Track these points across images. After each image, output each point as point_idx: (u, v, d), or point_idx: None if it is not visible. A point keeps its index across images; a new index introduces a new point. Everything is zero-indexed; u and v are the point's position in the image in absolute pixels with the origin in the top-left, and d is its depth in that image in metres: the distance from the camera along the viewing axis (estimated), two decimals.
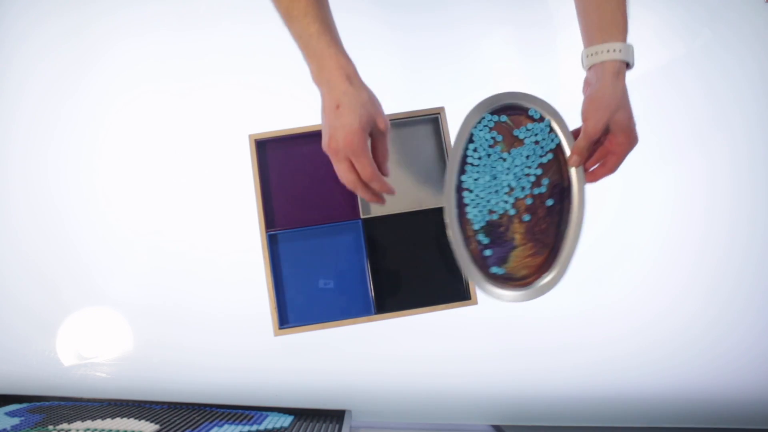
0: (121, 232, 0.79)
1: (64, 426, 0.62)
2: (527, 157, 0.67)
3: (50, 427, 0.61)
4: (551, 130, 0.67)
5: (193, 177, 0.80)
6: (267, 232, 0.72)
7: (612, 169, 0.62)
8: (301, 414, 0.72)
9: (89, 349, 0.76)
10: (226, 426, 0.65)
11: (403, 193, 0.75)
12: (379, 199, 0.60)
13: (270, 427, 0.66)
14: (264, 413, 0.71)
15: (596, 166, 0.63)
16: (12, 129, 0.82)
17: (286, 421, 0.69)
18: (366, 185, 0.58)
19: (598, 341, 0.76)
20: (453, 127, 0.76)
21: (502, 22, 0.86)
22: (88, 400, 0.74)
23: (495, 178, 0.67)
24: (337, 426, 0.67)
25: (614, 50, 0.58)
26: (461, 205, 0.66)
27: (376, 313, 0.71)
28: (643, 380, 0.77)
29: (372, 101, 0.56)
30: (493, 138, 0.67)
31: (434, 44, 0.84)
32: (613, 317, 0.77)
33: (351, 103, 0.54)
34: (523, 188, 0.67)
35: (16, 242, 0.79)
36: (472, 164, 0.67)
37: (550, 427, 0.75)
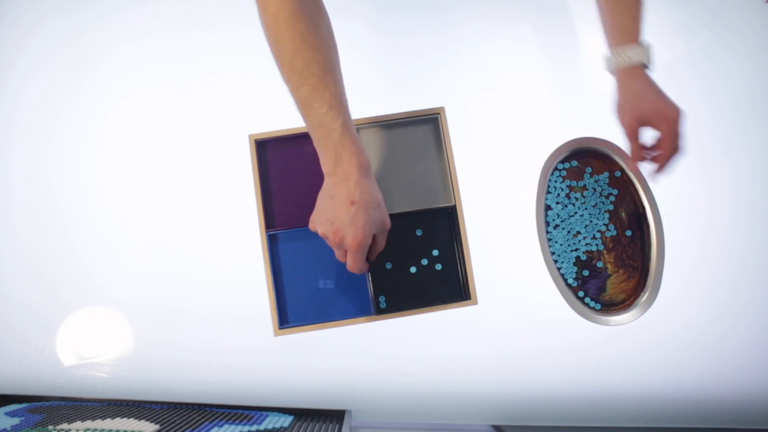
0: (122, 232, 0.79)
1: (64, 426, 0.62)
2: (594, 205, 0.76)
3: (50, 427, 0.61)
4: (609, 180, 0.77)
5: (194, 177, 0.80)
6: (267, 232, 0.72)
7: (670, 150, 0.65)
8: (301, 414, 0.72)
9: (89, 349, 0.76)
10: (226, 426, 0.65)
11: (403, 193, 0.75)
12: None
13: (270, 427, 0.66)
14: (264, 413, 0.71)
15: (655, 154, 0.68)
16: (13, 129, 0.82)
17: (286, 421, 0.69)
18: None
19: (598, 341, 0.76)
20: (453, 127, 0.76)
21: (503, 22, 0.86)
22: (88, 400, 0.74)
23: (572, 225, 0.76)
24: (337, 426, 0.67)
25: (625, 55, 0.63)
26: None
27: (376, 313, 0.71)
28: (643, 380, 0.77)
29: (383, 202, 0.59)
30: (569, 186, 0.77)
31: (434, 44, 0.84)
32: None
33: (366, 203, 0.56)
34: (604, 225, 0.76)
35: (16, 242, 0.79)
36: (554, 216, 0.77)
37: (550, 427, 0.75)
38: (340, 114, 0.55)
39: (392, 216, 0.72)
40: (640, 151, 0.67)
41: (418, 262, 0.73)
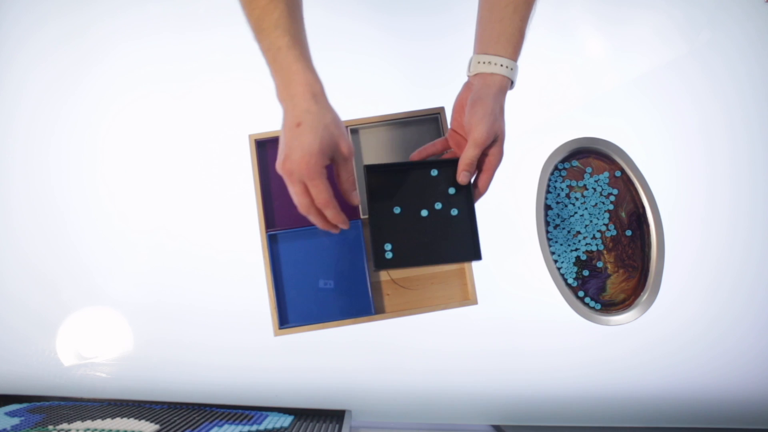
0: (122, 233, 0.79)
1: (64, 426, 0.62)
2: (594, 205, 0.76)
3: (50, 427, 0.61)
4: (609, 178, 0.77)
5: (194, 177, 0.80)
6: (267, 232, 0.72)
7: (485, 187, 0.60)
8: (301, 414, 0.72)
9: (89, 349, 0.76)
10: (226, 426, 0.65)
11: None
12: (333, 228, 0.56)
13: (270, 427, 0.66)
14: (264, 413, 0.71)
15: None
16: (12, 129, 0.82)
17: (286, 421, 0.69)
18: (320, 212, 0.54)
19: (598, 341, 0.76)
20: None
21: None
22: (88, 400, 0.74)
23: (573, 225, 0.76)
24: (337, 426, 0.67)
25: (505, 66, 0.57)
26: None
27: (375, 313, 0.71)
28: (643, 380, 0.77)
29: (336, 123, 0.53)
30: (569, 186, 0.77)
31: (435, 46, 0.84)
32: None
33: (313, 122, 0.51)
34: (604, 225, 0.76)
35: (16, 242, 0.79)
36: (554, 216, 0.77)
37: (550, 427, 0.75)
38: (286, 32, 0.52)
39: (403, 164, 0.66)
40: (476, 165, 0.60)
41: (431, 205, 0.63)
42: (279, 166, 0.53)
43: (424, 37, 0.85)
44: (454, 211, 0.63)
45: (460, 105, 0.60)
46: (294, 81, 0.52)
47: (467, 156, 0.58)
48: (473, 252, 0.62)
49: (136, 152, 0.81)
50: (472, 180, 0.61)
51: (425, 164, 0.64)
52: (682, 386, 0.77)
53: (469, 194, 0.62)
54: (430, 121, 0.77)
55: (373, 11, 0.86)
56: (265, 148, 0.75)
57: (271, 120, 0.76)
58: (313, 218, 0.55)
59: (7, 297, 0.77)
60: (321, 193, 0.52)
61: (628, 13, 0.87)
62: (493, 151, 0.58)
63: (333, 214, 0.54)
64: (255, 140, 0.73)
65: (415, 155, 0.65)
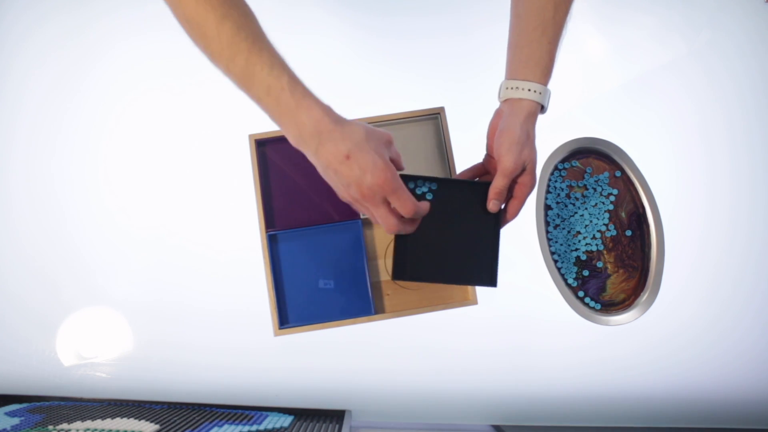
0: (122, 232, 0.79)
1: (64, 426, 0.62)
2: (594, 205, 0.76)
3: (50, 427, 0.61)
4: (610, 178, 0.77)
5: (194, 177, 0.80)
6: (267, 232, 0.72)
7: (514, 214, 0.60)
8: (301, 414, 0.72)
9: (89, 349, 0.76)
10: (226, 426, 0.65)
11: None
12: (416, 222, 0.56)
13: (270, 427, 0.66)
14: (264, 413, 0.71)
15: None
16: (14, 128, 0.82)
17: (286, 421, 0.69)
18: (409, 220, 0.54)
19: (598, 341, 0.76)
20: (452, 126, 0.76)
21: (502, 22, 0.86)
22: (88, 400, 0.74)
23: (573, 225, 0.76)
24: (337, 426, 0.67)
25: (533, 90, 0.57)
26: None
27: (375, 313, 0.71)
28: (642, 380, 0.77)
29: (366, 128, 0.51)
30: (569, 186, 0.77)
31: (435, 45, 0.84)
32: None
33: (358, 144, 0.49)
34: (604, 225, 0.76)
35: (16, 242, 0.79)
36: (554, 216, 0.77)
37: (550, 427, 0.75)
38: (284, 70, 0.49)
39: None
40: (506, 194, 0.59)
41: (458, 224, 0.62)
42: (351, 197, 0.51)
43: (423, 36, 0.85)
44: (480, 234, 0.62)
45: (491, 131, 0.60)
46: (311, 118, 0.49)
47: (496, 185, 0.58)
48: (489, 278, 0.61)
49: (137, 151, 0.81)
50: (502, 206, 0.61)
51: (460, 183, 0.62)
52: (682, 386, 0.77)
53: (497, 220, 0.61)
54: (429, 121, 0.77)
55: (372, 10, 0.86)
56: (265, 148, 0.75)
57: (271, 120, 0.76)
58: (406, 229, 0.55)
59: (8, 297, 0.77)
60: (407, 201, 0.51)
61: (627, 13, 0.87)
62: (522, 180, 0.58)
63: (422, 209, 0.53)
64: (255, 140, 0.73)
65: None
